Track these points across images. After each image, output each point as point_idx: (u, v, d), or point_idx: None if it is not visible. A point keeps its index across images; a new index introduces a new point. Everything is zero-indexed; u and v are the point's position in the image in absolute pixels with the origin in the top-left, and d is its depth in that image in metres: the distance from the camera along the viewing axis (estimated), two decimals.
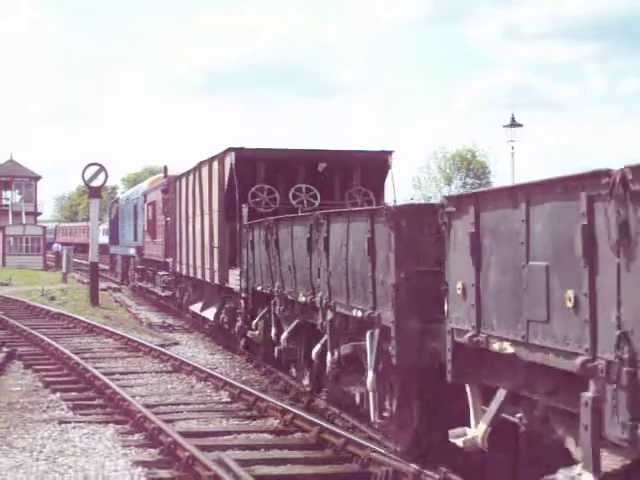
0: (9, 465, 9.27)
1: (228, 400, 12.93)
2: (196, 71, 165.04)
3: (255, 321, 14.84)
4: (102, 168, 28.99)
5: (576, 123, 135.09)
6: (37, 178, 75.52)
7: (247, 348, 16.61)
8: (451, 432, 6.93)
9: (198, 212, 19.85)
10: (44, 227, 62.01)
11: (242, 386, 13.23)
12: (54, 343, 17.58)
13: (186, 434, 10.25)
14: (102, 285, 32.83)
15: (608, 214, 4.83)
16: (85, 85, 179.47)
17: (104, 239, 48.70)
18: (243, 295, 15.53)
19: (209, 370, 14.87)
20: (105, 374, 14.15)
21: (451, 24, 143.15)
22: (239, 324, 16.20)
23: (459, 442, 6.74)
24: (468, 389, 6.87)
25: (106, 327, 20.88)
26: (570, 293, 5.21)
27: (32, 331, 19.63)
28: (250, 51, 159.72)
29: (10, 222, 64.83)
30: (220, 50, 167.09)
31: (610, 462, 5.16)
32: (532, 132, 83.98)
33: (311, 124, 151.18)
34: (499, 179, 58.86)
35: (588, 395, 5.12)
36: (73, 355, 15.96)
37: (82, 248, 59.28)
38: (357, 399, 10.38)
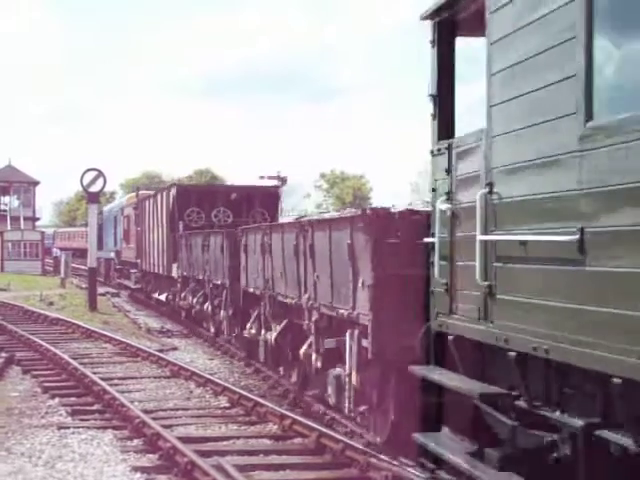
0: (8, 471, 9.26)
1: (227, 405, 12.92)
2: (196, 74, 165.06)
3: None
4: (100, 173, 29.00)
5: None
6: (35, 183, 75.58)
7: (187, 317, 23.50)
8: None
9: (155, 225, 27.82)
10: (42, 232, 61.98)
11: (241, 391, 13.23)
12: (52, 348, 17.57)
13: (185, 439, 10.25)
14: (100, 290, 32.81)
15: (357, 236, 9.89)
16: (84, 87, 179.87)
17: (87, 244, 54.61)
18: (179, 280, 23.91)
19: (208, 375, 14.87)
20: (104, 379, 14.14)
21: None
22: (178, 300, 24.01)
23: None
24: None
25: (104, 332, 20.88)
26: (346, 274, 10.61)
27: (30, 336, 19.61)
28: (250, 54, 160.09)
29: (8, 227, 64.87)
30: (220, 53, 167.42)
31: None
32: None
33: (311, 126, 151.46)
34: None
35: (356, 331, 10.15)
36: (72, 360, 15.95)
37: (80, 253, 59.28)
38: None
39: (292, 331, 13.71)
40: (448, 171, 6.92)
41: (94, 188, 29.03)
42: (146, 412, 11.79)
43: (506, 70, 5.83)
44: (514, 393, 5.83)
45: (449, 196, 6.87)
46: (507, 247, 5.81)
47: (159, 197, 27.30)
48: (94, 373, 14.73)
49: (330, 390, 11.20)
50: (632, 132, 4.35)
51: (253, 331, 15.96)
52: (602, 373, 4.64)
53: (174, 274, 24.31)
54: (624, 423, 4.63)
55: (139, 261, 31.82)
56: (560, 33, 5.09)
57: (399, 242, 9.29)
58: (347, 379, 10.45)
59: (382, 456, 9.04)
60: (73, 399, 13.31)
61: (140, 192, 34.72)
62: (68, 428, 11.27)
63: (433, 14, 7.12)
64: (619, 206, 4.52)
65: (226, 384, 13.99)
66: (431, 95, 7.25)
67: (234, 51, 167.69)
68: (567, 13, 5.02)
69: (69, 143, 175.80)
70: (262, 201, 24.89)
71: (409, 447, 7.61)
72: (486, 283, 6.04)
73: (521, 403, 5.77)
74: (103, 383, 13.66)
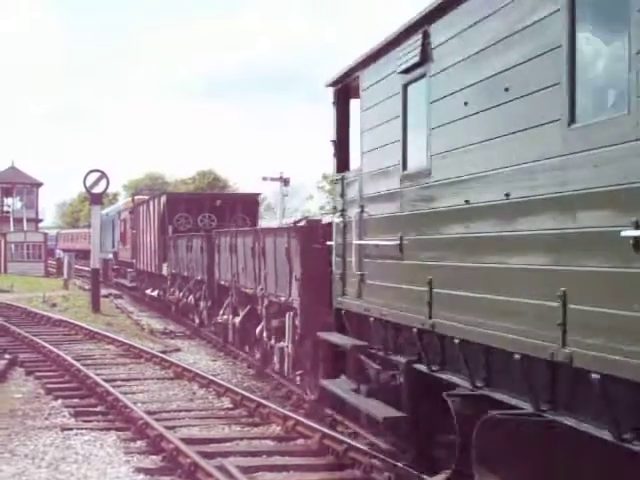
0: (11, 472, 9.28)
1: (230, 407, 12.94)
2: (196, 74, 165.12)
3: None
4: (103, 175, 29.02)
5: None
6: (38, 185, 75.54)
7: (176, 311, 25.90)
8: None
9: (148, 228, 30.41)
10: (45, 234, 62.01)
11: (244, 392, 13.24)
12: (56, 350, 17.59)
13: (188, 441, 10.26)
14: (103, 292, 32.82)
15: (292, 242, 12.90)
16: (85, 87, 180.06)
17: (80, 245, 58.79)
18: (168, 277, 26.40)
19: (211, 377, 14.88)
20: (107, 381, 14.16)
21: None
22: (167, 295, 26.61)
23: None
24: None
25: (108, 334, 20.89)
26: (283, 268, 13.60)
27: (34, 338, 19.64)
28: (251, 55, 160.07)
29: (11, 229, 64.87)
30: (221, 53, 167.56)
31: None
32: None
33: (312, 127, 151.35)
34: None
35: (291, 313, 13.05)
36: (75, 362, 15.97)
37: (83, 254, 59.32)
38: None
39: (253, 315, 16.57)
40: (342, 195, 9.81)
41: (97, 189, 29.05)
42: (149, 413, 11.80)
43: (369, 130, 8.98)
44: (375, 346, 8.76)
45: (342, 213, 9.79)
46: (369, 248, 8.83)
47: (152, 203, 29.99)
48: (97, 374, 14.74)
49: (275, 359, 14.63)
50: (421, 179, 7.47)
51: (225, 317, 18.77)
52: (411, 327, 7.63)
53: (164, 272, 27.16)
54: (426, 357, 7.52)
55: (134, 261, 34.34)
56: (388, 114, 8.33)
57: (321, 247, 11.73)
58: (286, 350, 13.77)
59: (385, 457, 9.04)
60: (76, 400, 13.33)
61: (136, 198, 38.43)
62: (71, 429, 11.28)
63: (333, 84, 10.13)
64: (414, 225, 7.67)
65: (229, 385, 14.01)
66: (332, 141, 10.20)
67: (234, 52, 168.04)
68: (393, 104, 8.16)
69: (72, 144, 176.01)
70: (244, 207, 27.41)
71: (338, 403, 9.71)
72: (359, 273, 9.08)
73: (380, 353, 8.67)
74: (106, 384, 13.68)
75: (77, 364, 15.71)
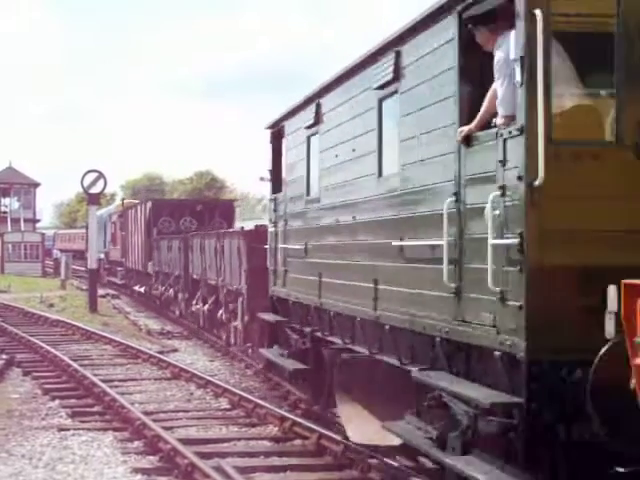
0: (8, 473, 9.27)
1: (227, 407, 12.93)
2: (196, 75, 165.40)
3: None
4: (101, 175, 29.03)
5: None
6: (36, 185, 75.48)
7: (160, 305, 28.60)
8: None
9: (135, 231, 33.35)
10: (43, 234, 61.93)
11: (241, 393, 13.24)
12: (53, 350, 17.58)
13: (185, 441, 10.25)
14: (101, 292, 32.82)
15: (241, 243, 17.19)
16: (84, 87, 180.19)
17: (77, 245, 60.84)
18: (153, 274, 29.34)
19: (208, 377, 14.88)
20: (104, 381, 14.15)
21: None
22: (153, 291, 29.43)
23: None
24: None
25: (105, 334, 20.88)
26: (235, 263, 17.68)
27: (31, 338, 19.63)
28: (250, 55, 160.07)
29: (9, 229, 64.82)
30: (220, 54, 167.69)
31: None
32: None
33: None
34: None
35: (241, 298, 17.32)
36: (72, 362, 15.96)
37: (80, 255, 59.33)
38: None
39: (217, 303, 20.22)
40: (274, 211, 12.74)
41: (95, 190, 29.06)
42: (146, 414, 11.80)
43: (290, 165, 11.94)
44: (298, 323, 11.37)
45: (275, 224, 12.64)
46: (290, 251, 11.68)
47: (139, 208, 33.15)
48: (94, 375, 14.74)
49: (232, 336, 18.45)
50: (315, 204, 10.42)
51: (197, 306, 22.20)
52: (311, 305, 10.55)
53: (149, 270, 30.02)
54: (320, 326, 10.31)
55: (124, 260, 37.35)
56: (299, 156, 11.32)
57: (262, 247, 13.70)
58: (238, 328, 17.65)
59: (383, 458, 9.05)
60: (73, 401, 13.33)
61: (125, 202, 42.56)
62: (68, 430, 11.28)
63: (269, 127, 13.04)
64: (312, 235, 10.59)
65: (227, 386, 14.00)
66: (268, 170, 13.19)
67: (235, 52, 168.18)
68: (302, 149, 11.11)
69: (69, 144, 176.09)
70: (221, 212, 30.06)
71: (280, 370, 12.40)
72: (284, 268, 11.98)
73: (297, 326, 11.37)
74: (103, 385, 13.67)
75: (74, 364, 15.70)
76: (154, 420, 11.34)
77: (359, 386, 9.11)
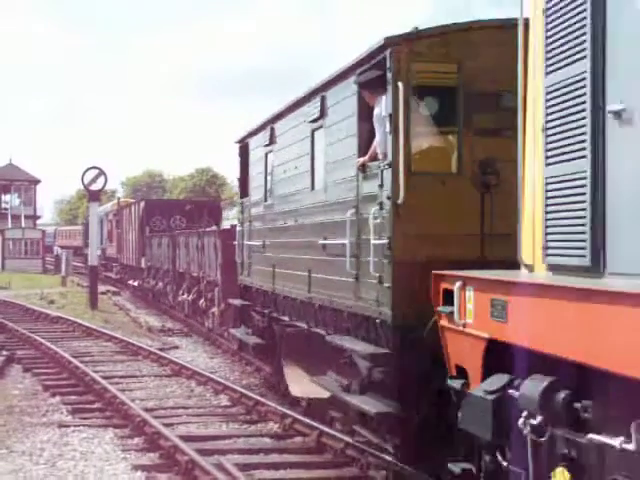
0: (8, 469, 9.27)
1: (228, 404, 12.94)
2: (196, 75, 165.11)
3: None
4: (101, 172, 29.01)
5: None
6: (36, 182, 75.49)
7: (153, 297, 30.88)
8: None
9: (130, 228, 35.86)
10: (43, 231, 61.96)
11: (242, 390, 13.24)
12: (53, 347, 17.59)
13: (186, 438, 10.25)
14: (101, 288, 32.81)
15: (216, 241, 20.23)
16: (85, 86, 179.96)
17: (77, 242, 63.74)
18: (146, 269, 31.81)
19: (209, 374, 14.88)
20: (104, 378, 14.15)
21: None
22: (145, 284, 32.06)
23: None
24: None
25: (105, 331, 20.88)
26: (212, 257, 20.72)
27: (31, 335, 19.64)
28: (250, 55, 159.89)
29: (9, 226, 64.81)
30: (221, 55, 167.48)
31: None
32: None
33: None
34: None
35: (217, 288, 20.43)
36: (72, 359, 15.97)
37: (80, 251, 59.37)
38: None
39: (199, 293, 22.80)
40: (242, 213, 15.17)
41: (95, 186, 29.04)
42: (147, 411, 11.79)
43: (254, 175, 14.16)
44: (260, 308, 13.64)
45: (242, 224, 15.03)
46: (253, 246, 13.95)
47: (133, 207, 35.89)
48: (95, 371, 14.74)
49: (210, 320, 21.18)
50: (270, 209, 12.91)
51: (183, 296, 24.76)
52: (267, 291, 12.98)
53: (142, 265, 32.44)
54: (275, 307, 12.61)
55: (119, 256, 39.94)
56: (258, 169, 13.69)
57: (234, 244, 15.66)
58: (215, 313, 20.39)
59: (383, 455, 9.05)
60: (74, 397, 13.33)
61: (121, 200, 45.61)
62: (69, 426, 11.28)
63: (238, 142, 15.29)
64: (268, 234, 12.86)
65: (227, 383, 14.01)
66: (237, 178, 15.59)
67: (234, 52, 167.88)
68: (261, 164, 13.53)
69: (70, 141, 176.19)
70: (209, 211, 32.38)
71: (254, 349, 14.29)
72: (248, 261, 14.34)
73: (259, 309, 13.63)
74: (104, 381, 13.68)
75: (75, 361, 15.70)
76: (154, 417, 11.34)
77: (298, 353, 11.58)
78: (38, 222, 75.71)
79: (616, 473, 4.40)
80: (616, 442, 4.31)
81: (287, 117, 11.91)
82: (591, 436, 4.57)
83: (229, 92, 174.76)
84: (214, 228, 23.53)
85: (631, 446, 4.20)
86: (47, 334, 20.39)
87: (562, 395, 4.82)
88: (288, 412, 11.50)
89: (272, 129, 12.71)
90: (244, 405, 12.54)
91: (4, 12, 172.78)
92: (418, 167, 8.03)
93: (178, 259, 25.57)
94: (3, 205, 73.31)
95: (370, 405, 8.22)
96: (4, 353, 17.08)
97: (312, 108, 10.49)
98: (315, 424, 10.64)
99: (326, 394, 10.30)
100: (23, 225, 64.36)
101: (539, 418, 4.98)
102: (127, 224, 36.63)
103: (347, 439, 9.78)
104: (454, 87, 8.11)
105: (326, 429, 10.38)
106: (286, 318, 11.95)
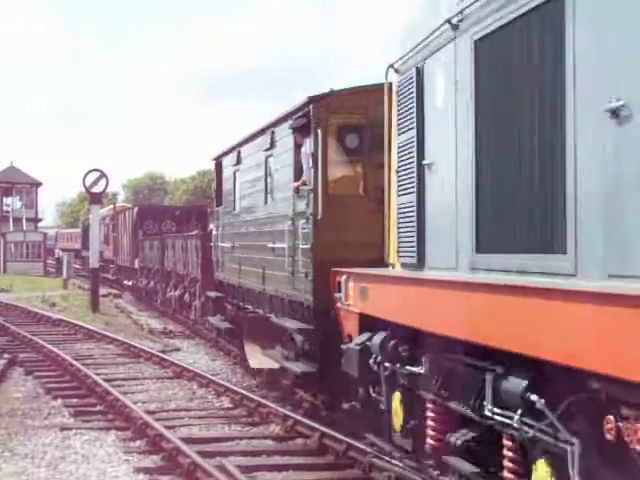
0: (10, 472, 9.27)
1: (229, 406, 12.94)
2: (196, 75, 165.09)
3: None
4: (103, 174, 28.99)
5: None
6: (38, 184, 75.52)
7: (146, 295, 33.11)
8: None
9: (124, 232, 38.65)
10: (45, 233, 61.99)
11: (243, 392, 13.24)
12: (55, 349, 17.59)
13: (188, 440, 10.25)
14: (102, 291, 32.79)
15: (198, 242, 23.11)
16: (85, 87, 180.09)
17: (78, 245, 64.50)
18: (139, 270, 33.98)
19: (210, 376, 14.88)
20: (106, 380, 14.15)
21: None
22: (138, 284, 34.19)
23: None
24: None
25: (107, 333, 20.88)
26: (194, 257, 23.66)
27: (33, 337, 19.64)
28: (250, 55, 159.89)
29: (11, 228, 64.85)
30: (221, 55, 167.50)
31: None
32: None
33: None
34: None
35: (198, 283, 23.04)
36: (74, 361, 15.97)
37: (80, 254, 59.36)
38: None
39: (184, 289, 25.26)
40: (217, 219, 17.89)
41: (96, 189, 29.01)
42: (149, 413, 11.80)
43: (227, 189, 16.86)
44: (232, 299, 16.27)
45: (217, 228, 17.73)
46: (225, 247, 16.65)
47: (127, 212, 38.90)
48: (97, 374, 14.74)
49: (193, 312, 23.77)
50: (238, 216, 15.70)
51: (171, 293, 27.16)
52: (235, 285, 15.90)
53: (136, 266, 34.61)
54: (242, 299, 15.32)
55: (115, 258, 42.00)
56: (230, 183, 16.44)
57: (211, 245, 18.56)
58: (197, 305, 22.95)
59: (385, 457, 9.04)
60: (76, 400, 13.32)
61: (117, 205, 50.90)
62: (71, 429, 11.27)
63: (214, 159, 17.96)
64: (236, 237, 15.71)
65: (229, 385, 14.00)
66: (214, 189, 18.19)
67: (234, 53, 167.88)
68: (231, 180, 16.39)
69: (71, 144, 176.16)
70: (197, 216, 34.81)
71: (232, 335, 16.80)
72: (222, 260, 16.98)
73: (230, 300, 16.43)
74: (106, 384, 13.68)
75: (76, 364, 15.71)
76: (156, 419, 11.33)
77: (256, 333, 13.67)
78: (39, 225, 75.77)
79: (422, 389, 7.24)
80: (418, 369, 7.25)
81: (250, 144, 14.55)
82: (407, 367, 7.50)
83: (229, 92, 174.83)
84: (195, 232, 26.22)
85: (422, 370, 7.17)
86: (49, 337, 20.39)
87: (391, 343, 7.82)
88: (290, 414, 11.49)
89: (239, 152, 15.43)
90: (246, 407, 12.54)
91: (4, 12, 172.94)
92: (333, 191, 10.91)
93: (166, 259, 28.15)
94: (5, 208, 73.31)
95: (300, 368, 11.01)
96: (6, 356, 17.07)
97: (266, 139, 13.17)
98: (317, 426, 10.63)
99: (276, 365, 12.62)
100: (24, 228, 64.42)
101: (379, 358, 8.05)
102: (122, 228, 39.35)
103: (349, 441, 9.78)
104: (362, 127, 10.93)
105: (328, 430, 10.37)
106: (250, 307, 14.55)
